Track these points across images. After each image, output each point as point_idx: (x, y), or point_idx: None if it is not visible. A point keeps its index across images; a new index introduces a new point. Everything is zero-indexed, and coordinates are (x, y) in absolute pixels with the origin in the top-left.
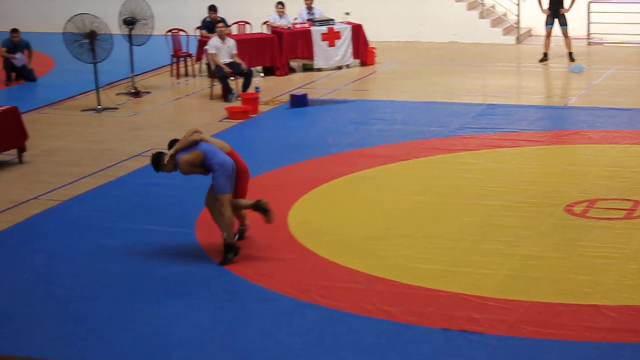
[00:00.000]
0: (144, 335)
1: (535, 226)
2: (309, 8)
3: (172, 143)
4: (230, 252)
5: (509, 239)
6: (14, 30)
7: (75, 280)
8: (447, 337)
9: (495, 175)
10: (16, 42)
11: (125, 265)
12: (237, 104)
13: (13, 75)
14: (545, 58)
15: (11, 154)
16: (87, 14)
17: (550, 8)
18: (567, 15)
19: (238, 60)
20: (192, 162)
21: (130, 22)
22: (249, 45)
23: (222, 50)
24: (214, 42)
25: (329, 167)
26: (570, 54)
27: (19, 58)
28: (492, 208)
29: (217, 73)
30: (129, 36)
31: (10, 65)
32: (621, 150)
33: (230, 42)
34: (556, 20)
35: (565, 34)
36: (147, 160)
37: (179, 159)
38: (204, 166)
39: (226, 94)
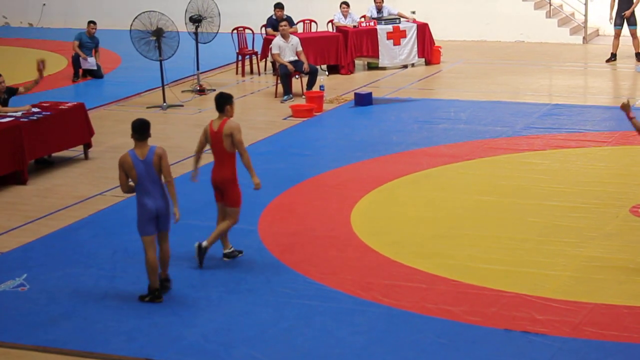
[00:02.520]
0: (207, 332)
1: (600, 227)
2: (379, 9)
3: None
4: (148, 294)
5: (573, 240)
6: (92, 22)
7: (139, 276)
8: (509, 338)
9: (560, 175)
10: (92, 35)
11: (188, 262)
12: (300, 102)
13: (80, 71)
14: (613, 58)
15: (77, 150)
16: (154, 11)
17: (619, 9)
18: (637, 15)
19: (303, 58)
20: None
21: (196, 20)
22: (314, 43)
23: (286, 49)
24: (277, 41)
25: (392, 166)
26: (637, 54)
27: (91, 62)
28: (557, 209)
29: (280, 70)
30: (195, 34)
31: (79, 61)
32: None
33: (294, 40)
34: (625, 21)
35: (634, 34)
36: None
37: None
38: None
39: (285, 93)
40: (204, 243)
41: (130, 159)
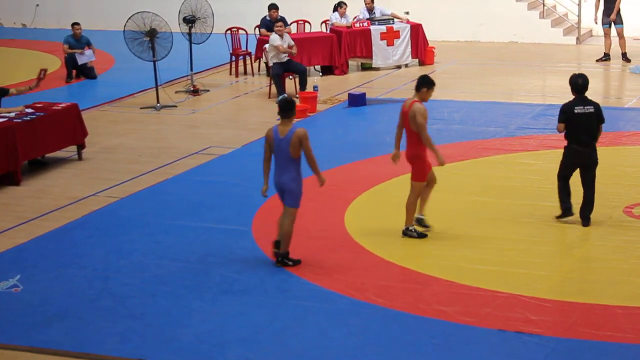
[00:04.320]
0: (201, 333)
1: (593, 228)
2: (370, 10)
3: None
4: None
5: (567, 241)
6: (76, 24)
7: (133, 277)
8: (503, 339)
9: (553, 176)
10: (78, 36)
11: (183, 262)
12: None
13: (74, 72)
14: (605, 58)
15: (71, 151)
16: (148, 12)
17: (606, 8)
18: (623, 14)
19: (290, 42)
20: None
21: (190, 21)
22: (308, 44)
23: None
24: (275, 36)
25: (386, 167)
26: (624, 54)
27: (88, 54)
28: (550, 209)
29: (272, 71)
30: (189, 34)
31: (72, 62)
32: None
33: (286, 38)
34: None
35: (620, 33)
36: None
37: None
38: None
39: (278, 94)
40: (419, 216)
41: (272, 134)
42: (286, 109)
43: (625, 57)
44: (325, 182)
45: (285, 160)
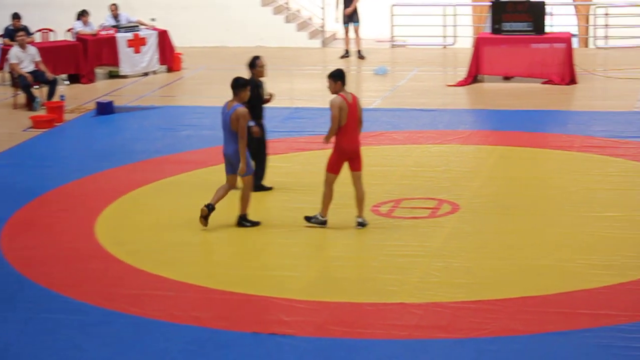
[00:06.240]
0: None
1: (343, 227)
2: (115, 16)
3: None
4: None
5: (316, 241)
6: None
7: None
8: (257, 341)
9: (302, 178)
10: None
11: None
12: (42, 112)
13: None
14: (347, 55)
15: None
16: None
17: (345, 7)
18: (361, 15)
19: (43, 68)
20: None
21: None
22: (53, 53)
23: (25, 59)
24: (14, 51)
25: (136, 175)
26: (359, 51)
27: None
28: (301, 210)
29: (20, 82)
30: None
31: None
32: (425, 151)
33: (32, 50)
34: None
35: (356, 31)
36: None
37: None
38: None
39: (30, 102)
40: (359, 219)
41: (223, 107)
42: (233, 86)
43: (360, 55)
44: (243, 172)
45: (228, 132)
